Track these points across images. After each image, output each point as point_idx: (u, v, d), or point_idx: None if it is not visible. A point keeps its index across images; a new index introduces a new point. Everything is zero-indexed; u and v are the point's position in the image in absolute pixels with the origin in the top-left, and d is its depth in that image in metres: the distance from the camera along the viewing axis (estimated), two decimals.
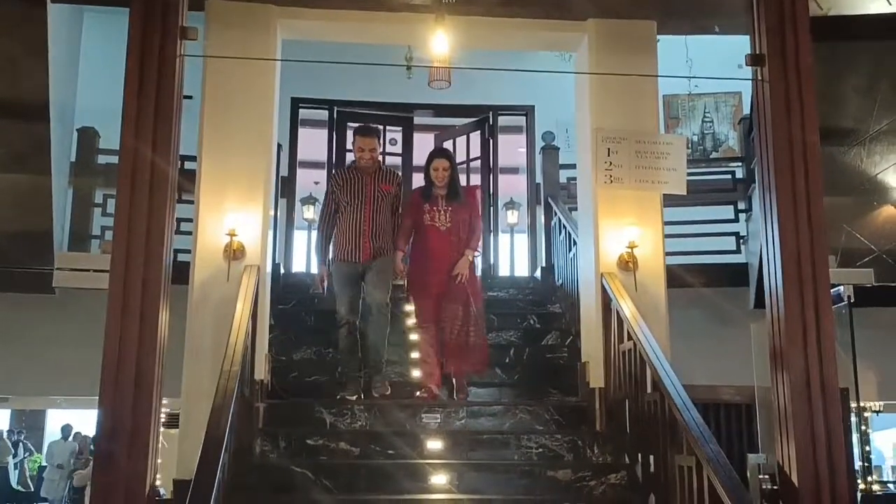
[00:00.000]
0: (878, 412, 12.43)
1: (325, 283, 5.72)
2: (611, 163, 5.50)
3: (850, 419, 6.43)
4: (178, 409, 5.55)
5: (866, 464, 11.85)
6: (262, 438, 5.06)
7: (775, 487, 3.29)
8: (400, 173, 6.02)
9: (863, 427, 12.35)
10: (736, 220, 8.06)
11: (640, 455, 4.70)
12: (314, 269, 8.86)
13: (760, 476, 3.43)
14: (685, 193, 5.47)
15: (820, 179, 3.23)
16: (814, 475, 3.03)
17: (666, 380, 4.15)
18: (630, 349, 4.87)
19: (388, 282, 5.64)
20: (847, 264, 7.12)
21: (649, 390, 4.50)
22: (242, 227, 5.30)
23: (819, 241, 3.15)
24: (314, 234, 9.19)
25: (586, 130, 5.84)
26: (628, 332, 4.88)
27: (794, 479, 3.08)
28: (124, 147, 3.05)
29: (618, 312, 5.13)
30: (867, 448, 12.36)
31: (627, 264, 5.49)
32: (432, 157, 5.84)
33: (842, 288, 5.53)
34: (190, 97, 5.79)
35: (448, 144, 10.00)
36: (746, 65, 3.46)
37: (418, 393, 5.66)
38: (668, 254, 7.35)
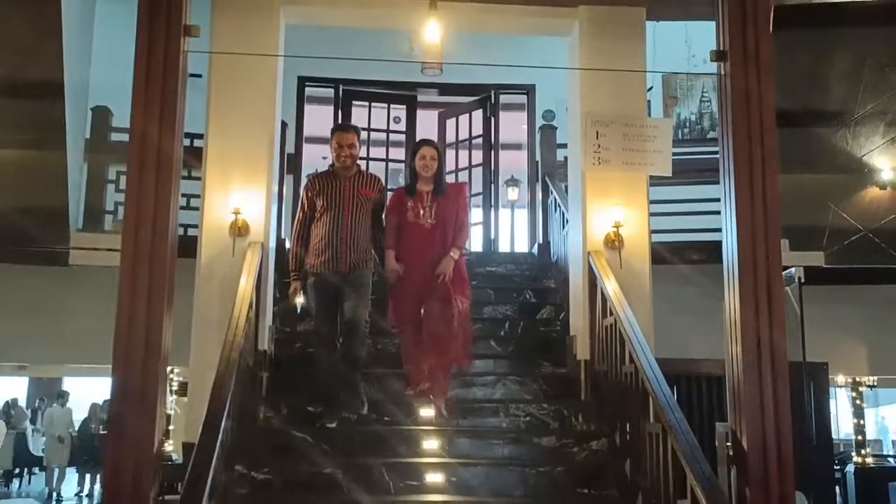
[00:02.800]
0: (871, 387, 12.70)
1: (300, 298, 5.34)
2: (599, 145, 5.69)
3: (828, 392, 6.68)
4: (187, 379, 5.86)
5: (860, 437, 12.15)
6: (266, 405, 5.38)
7: None
8: (381, 179, 5.64)
9: (857, 401, 12.64)
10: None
11: (618, 423, 4.99)
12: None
13: (727, 444, 3.68)
14: (670, 175, 5.68)
15: (775, 169, 3.47)
16: (761, 441, 3.30)
17: (640, 353, 4.43)
18: (612, 324, 5.14)
19: (366, 298, 5.29)
20: (835, 243, 7.37)
21: (626, 363, 4.78)
22: (247, 205, 5.59)
23: (772, 226, 3.39)
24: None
25: (577, 113, 6.06)
26: (610, 309, 5.15)
27: (744, 444, 3.36)
28: (133, 136, 3.33)
29: (602, 290, 5.39)
30: (861, 421, 12.65)
31: (613, 243, 5.75)
32: (419, 145, 5.51)
33: (793, 269, 5.78)
34: (199, 76, 6.08)
35: (451, 122, 10.26)
36: (711, 60, 3.70)
37: (407, 391, 5.45)
38: (666, 231, 7.60)
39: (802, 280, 5.85)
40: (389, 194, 5.69)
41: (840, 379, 10.80)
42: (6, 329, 8.39)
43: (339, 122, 8.69)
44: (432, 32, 4.82)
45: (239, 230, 5.56)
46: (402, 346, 5.51)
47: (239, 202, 5.57)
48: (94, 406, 13.91)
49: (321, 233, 5.22)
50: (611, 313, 5.16)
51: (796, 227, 7.14)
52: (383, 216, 5.47)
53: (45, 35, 5.81)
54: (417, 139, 5.76)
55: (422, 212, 5.32)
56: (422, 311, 5.30)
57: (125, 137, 7.94)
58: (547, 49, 8.06)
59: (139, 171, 3.24)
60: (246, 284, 5.05)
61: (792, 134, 6.90)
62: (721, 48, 3.62)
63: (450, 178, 10.11)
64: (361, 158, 9.53)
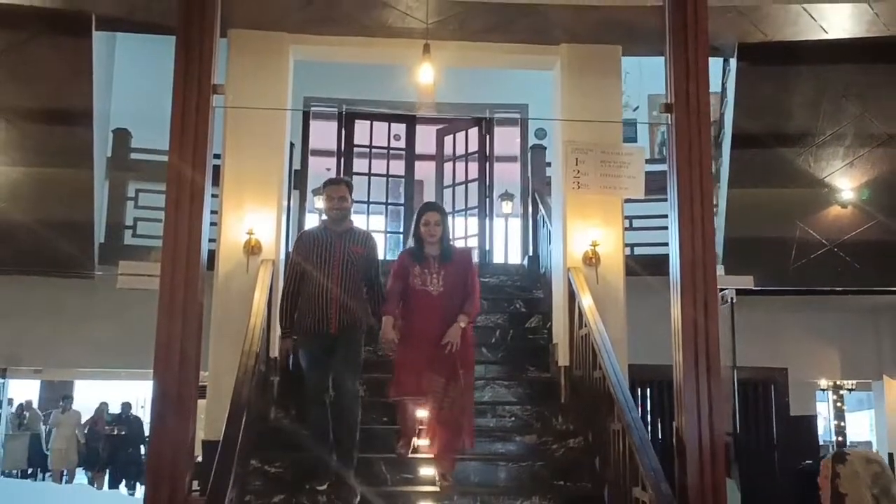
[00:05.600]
0: (850, 390, 13.29)
1: (290, 358, 5.24)
2: (579, 171, 6.24)
3: (787, 395, 7.26)
4: (204, 382, 6.45)
5: (840, 438, 12.71)
6: (276, 407, 5.97)
7: None
8: (373, 236, 5.57)
9: (838, 404, 13.21)
10: None
11: (591, 423, 5.58)
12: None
13: None
14: (643, 197, 6.25)
15: (710, 207, 4.08)
16: (697, 435, 3.89)
17: (606, 360, 5.04)
18: (586, 335, 5.73)
19: (358, 363, 5.22)
20: (802, 256, 7.93)
21: (597, 369, 5.37)
22: (259, 226, 6.20)
23: (709, 253, 4.01)
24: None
25: (560, 140, 6.65)
26: (585, 321, 5.75)
27: (684, 438, 3.96)
28: (170, 177, 3.94)
29: (579, 303, 5.99)
30: (842, 423, 13.20)
31: (591, 260, 6.35)
32: (423, 210, 5.28)
33: (727, 291, 6.40)
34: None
35: (448, 139, 10.86)
36: (660, 112, 4.31)
37: (399, 449, 5.36)
38: (650, 244, 8.16)
39: (734, 300, 6.47)
40: (379, 231, 5.71)
41: (822, 383, 11.39)
42: (27, 335, 9.01)
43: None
44: (426, 75, 5.41)
45: (252, 249, 6.17)
46: (400, 416, 5.33)
47: (252, 223, 6.18)
48: (101, 407, 14.36)
49: (311, 291, 5.11)
50: (585, 325, 5.75)
51: (766, 238, 7.74)
52: (385, 279, 5.33)
53: (78, 71, 6.44)
54: (422, 203, 5.56)
55: (430, 278, 5.10)
56: (424, 386, 5.05)
57: (143, 157, 8.67)
58: (536, 74, 8.66)
59: (175, 209, 3.86)
60: (259, 299, 5.66)
61: (762, 156, 7.51)
62: (669, 101, 4.23)
63: (447, 192, 10.80)
64: (363, 174, 10.27)
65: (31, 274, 7.83)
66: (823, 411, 13.08)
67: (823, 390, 12.17)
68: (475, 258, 5.39)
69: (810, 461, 9.10)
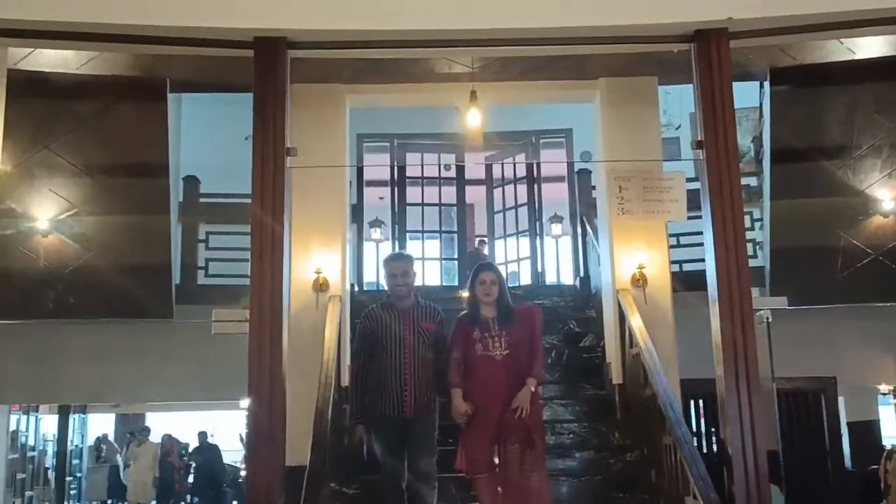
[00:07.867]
0: None
1: (365, 444, 5.04)
2: (622, 197, 6.54)
3: (836, 404, 7.43)
4: None
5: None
6: (350, 432, 6.38)
7: None
8: (441, 310, 5.21)
9: None
10: (752, 227, 9.06)
11: (645, 438, 5.90)
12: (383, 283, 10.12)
13: None
14: (685, 220, 6.54)
15: (743, 234, 4.42)
16: (740, 448, 4.21)
17: (657, 380, 5.37)
18: (637, 353, 6.06)
19: (434, 446, 5.00)
20: (848, 266, 8.14)
21: (649, 387, 5.70)
22: (326, 265, 6.68)
23: (744, 277, 4.35)
24: (379, 258, 10.53)
25: (602, 169, 7.01)
26: (635, 341, 6.08)
27: (728, 448, 4.29)
28: (254, 231, 4.44)
29: (628, 324, 6.32)
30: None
31: (638, 281, 6.68)
32: (478, 270, 5.00)
33: (762, 311, 6.67)
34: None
35: (496, 166, 11.28)
36: (693, 149, 4.67)
37: None
38: (694, 261, 8.43)
39: (770, 319, 6.73)
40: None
41: (883, 388, 11.46)
42: (111, 374, 9.62)
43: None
44: (473, 119, 5.84)
45: (321, 286, 6.65)
46: (479, 500, 4.87)
47: (320, 263, 6.67)
48: (169, 439, 14.80)
49: (382, 373, 4.92)
50: (636, 345, 6.09)
51: (811, 247, 7.98)
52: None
53: (155, 129, 7.09)
54: (476, 265, 5.23)
55: (491, 342, 4.79)
56: (496, 457, 4.72)
57: (212, 201, 9.26)
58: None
59: (260, 260, 4.35)
60: (330, 333, 6.12)
61: (802, 170, 7.78)
62: (700, 139, 4.60)
63: (498, 217, 11.19)
64: (416, 204, 10.74)
65: (117, 318, 8.41)
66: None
67: (885, 395, 12.22)
68: (540, 318, 5.00)
69: (875, 466, 9.26)
